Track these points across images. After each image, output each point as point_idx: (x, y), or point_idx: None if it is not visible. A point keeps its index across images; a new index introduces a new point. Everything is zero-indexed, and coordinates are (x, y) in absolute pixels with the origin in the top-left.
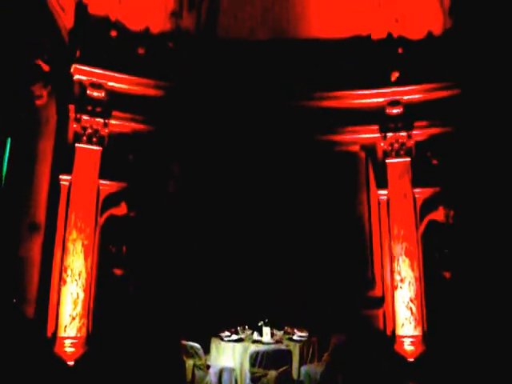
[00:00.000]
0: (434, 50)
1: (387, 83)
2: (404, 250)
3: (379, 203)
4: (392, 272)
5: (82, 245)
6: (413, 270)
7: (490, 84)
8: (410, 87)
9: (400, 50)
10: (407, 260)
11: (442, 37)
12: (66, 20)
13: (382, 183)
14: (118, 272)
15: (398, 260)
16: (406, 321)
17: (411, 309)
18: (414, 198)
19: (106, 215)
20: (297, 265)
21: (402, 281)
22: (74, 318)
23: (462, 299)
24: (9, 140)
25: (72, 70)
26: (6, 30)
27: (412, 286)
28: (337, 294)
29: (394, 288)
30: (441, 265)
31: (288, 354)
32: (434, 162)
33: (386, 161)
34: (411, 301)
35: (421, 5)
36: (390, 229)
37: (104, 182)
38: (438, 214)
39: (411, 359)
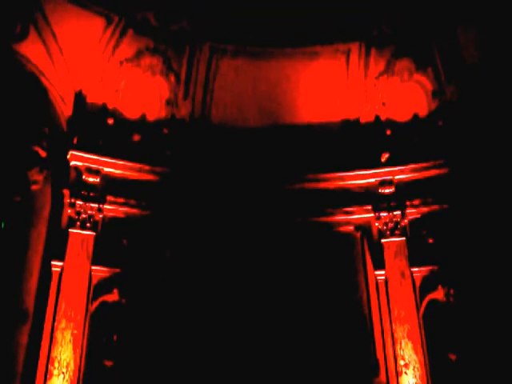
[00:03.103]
0: (421, 131)
1: (378, 164)
2: (406, 333)
3: (377, 284)
4: (396, 356)
5: (72, 334)
6: (417, 353)
7: (479, 160)
8: (401, 167)
9: (388, 132)
10: (410, 343)
11: (428, 118)
12: (65, 109)
13: (379, 263)
14: (108, 363)
15: (401, 343)
16: None
17: None
18: (413, 278)
19: (97, 302)
20: (296, 352)
21: (406, 366)
22: None
23: (472, 382)
24: (2, 224)
25: (69, 156)
26: (6, 116)
27: (417, 371)
28: (339, 382)
29: (399, 374)
30: (446, 346)
31: None
32: (430, 240)
33: (382, 240)
34: None
35: (405, 89)
36: (390, 310)
37: (96, 267)
38: (438, 294)
39: None
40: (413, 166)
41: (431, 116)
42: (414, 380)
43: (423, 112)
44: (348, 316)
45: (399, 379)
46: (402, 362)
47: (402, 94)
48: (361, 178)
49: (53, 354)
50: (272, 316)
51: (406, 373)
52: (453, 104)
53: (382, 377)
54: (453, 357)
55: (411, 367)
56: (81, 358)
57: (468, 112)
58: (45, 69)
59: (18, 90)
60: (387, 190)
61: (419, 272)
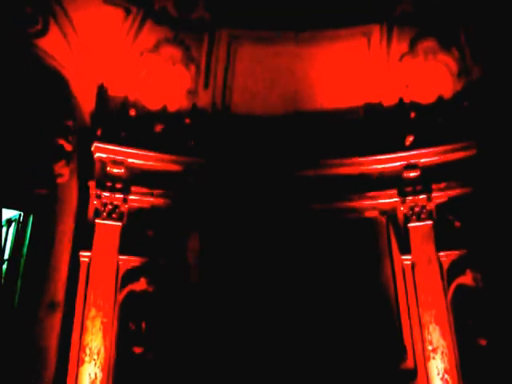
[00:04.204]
0: (446, 113)
1: (402, 147)
2: (434, 318)
3: (403, 269)
4: (423, 341)
5: (101, 322)
6: (445, 338)
7: (506, 141)
8: (426, 150)
9: (412, 115)
10: (438, 328)
11: (453, 99)
12: (88, 101)
13: (405, 248)
14: (137, 350)
15: (429, 328)
16: None
17: (447, 381)
18: (440, 262)
19: (125, 291)
20: (320, 338)
21: (434, 351)
22: None
23: (502, 367)
24: (31, 217)
25: (93, 148)
26: (30, 111)
27: (446, 356)
28: (366, 368)
29: (427, 359)
30: (475, 332)
31: None
32: (457, 223)
33: (408, 225)
34: (447, 372)
35: (429, 70)
36: (417, 295)
37: (123, 257)
38: (466, 278)
39: None
40: (438, 148)
41: (456, 97)
42: (443, 365)
43: (448, 93)
44: (374, 301)
45: (427, 364)
46: (429, 347)
47: (426, 76)
48: (385, 163)
49: (84, 342)
50: (298, 302)
51: (434, 358)
52: (479, 84)
53: (410, 362)
54: (483, 342)
55: (439, 352)
56: (111, 345)
57: (495, 92)
58: (66, 62)
59: (41, 84)
60: (412, 174)
61: (446, 256)
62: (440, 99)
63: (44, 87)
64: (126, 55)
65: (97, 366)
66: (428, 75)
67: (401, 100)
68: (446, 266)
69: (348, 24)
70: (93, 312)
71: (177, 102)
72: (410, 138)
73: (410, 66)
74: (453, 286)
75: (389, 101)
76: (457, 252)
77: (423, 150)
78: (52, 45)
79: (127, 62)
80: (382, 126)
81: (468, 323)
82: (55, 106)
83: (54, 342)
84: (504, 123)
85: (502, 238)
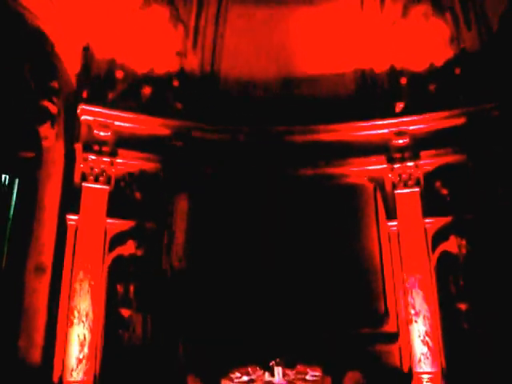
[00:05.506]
0: (437, 80)
1: (392, 114)
2: (417, 283)
3: (389, 235)
4: (406, 305)
5: (89, 285)
6: (427, 302)
7: (496, 110)
8: (416, 117)
9: (403, 81)
10: (421, 293)
11: (445, 66)
12: (74, 63)
13: (392, 214)
14: (125, 312)
15: (412, 293)
16: (422, 356)
17: (428, 343)
18: (425, 229)
19: (113, 254)
20: (309, 301)
21: (416, 314)
22: (80, 361)
23: (481, 331)
24: (17, 181)
25: (79, 110)
26: (14, 72)
27: (427, 320)
28: (350, 330)
29: (409, 322)
30: (456, 296)
31: None
32: (444, 191)
33: (395, 192)
34: (427, 335)
35: (422, 37)
36: (402, 260)
37: (111, 221)
38: (451, 245)
39: None
40: (428, 115)
41: (448, 64)
42: (424, 328)
43: (440, 60)
44: (360, 266)
45: (409, 327)
46: (412, 311)
47: (419, 42)
48: (374, 129)
49: (72, 304)
50: (288, 265)
51: (416, 321)
52: (471, 52)
53: (392, 325)
54: (463, 306)
55: (421, 316)
56: (99, 307)
57: (487, 60)
58: (50, 21)
59: (25, 45)
60: (401, 141)
61: (432, 223)
62: (432, 66)
63: (27, 47)
64: (113, 15)
65: (85, 327)
66: (420, 42)
67: (392, 67)
68: (431, 233)
69: None
70: (81, 275)
71: (165, 64)
72: (401, 105)
73: (403, 32)
74: (437, 251)
75: (380, 67)
76: (442, 219)
77: (413, 117)
78: (34, 2)
79: (114, 22)
80: (372, 92)
81: (450, 288)
82: (39, 67)
83: (42, 304)
84: (495, 91)
85: (487, 206)
